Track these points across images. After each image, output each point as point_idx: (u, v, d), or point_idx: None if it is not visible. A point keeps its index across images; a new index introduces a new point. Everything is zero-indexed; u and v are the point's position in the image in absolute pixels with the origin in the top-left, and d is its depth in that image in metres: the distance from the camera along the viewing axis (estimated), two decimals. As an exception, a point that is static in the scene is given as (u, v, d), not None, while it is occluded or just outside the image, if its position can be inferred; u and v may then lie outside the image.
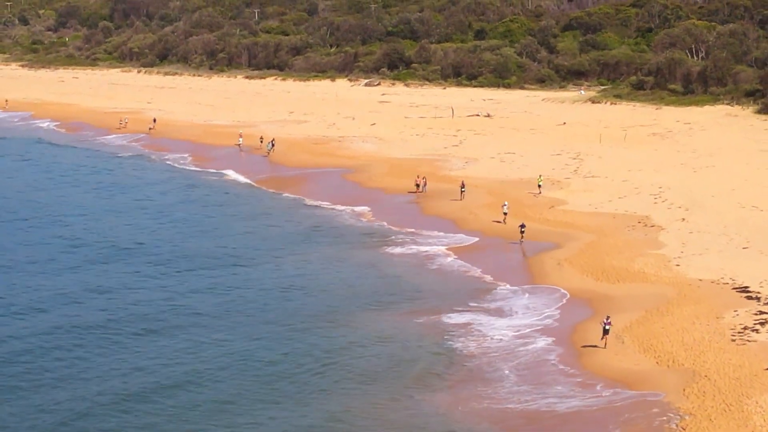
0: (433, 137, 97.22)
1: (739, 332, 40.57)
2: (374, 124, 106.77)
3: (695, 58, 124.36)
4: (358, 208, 69.45)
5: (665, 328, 41.89)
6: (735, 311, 43.27)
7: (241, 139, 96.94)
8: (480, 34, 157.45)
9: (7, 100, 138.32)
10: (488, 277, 52.15)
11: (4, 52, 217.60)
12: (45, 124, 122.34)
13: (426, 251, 57.69)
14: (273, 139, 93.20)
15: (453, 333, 43.22)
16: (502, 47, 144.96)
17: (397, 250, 58.33)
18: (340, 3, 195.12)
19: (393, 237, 61.42)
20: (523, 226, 58.38)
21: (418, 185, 73.21)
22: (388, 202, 71.42)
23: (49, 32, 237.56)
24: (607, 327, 40.62)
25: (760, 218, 59.55)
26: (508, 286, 50.37)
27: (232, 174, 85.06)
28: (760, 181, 70.46)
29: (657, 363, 38.48)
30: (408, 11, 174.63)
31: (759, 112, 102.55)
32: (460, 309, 46.54)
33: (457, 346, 41.64)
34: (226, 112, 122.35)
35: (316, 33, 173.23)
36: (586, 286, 49.16)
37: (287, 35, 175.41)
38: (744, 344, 39.27)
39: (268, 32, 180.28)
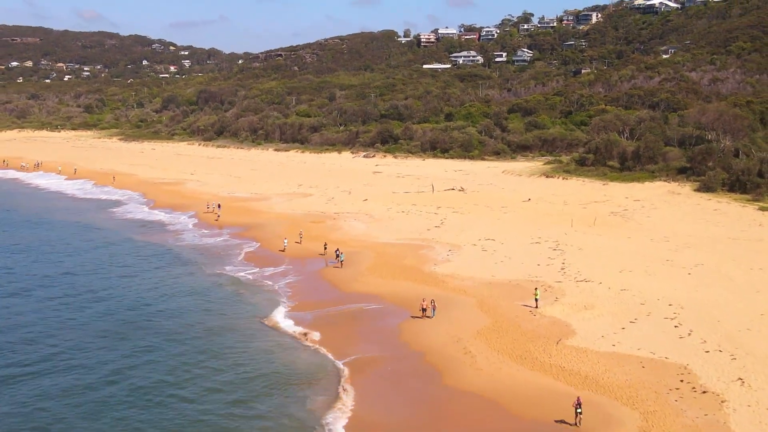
0: (417, 215, 64.40)
1: None
2: (366, 200, 73.67)
3: (622, 137, 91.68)
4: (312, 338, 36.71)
5: None
6: None
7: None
8: (449, 117, 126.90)
9: (114, 177, 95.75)
10: None
11: (117, 128, 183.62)
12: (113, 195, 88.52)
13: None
14: (338, 250, 49.38)
15: None
16: (466, 127, 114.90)
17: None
18: (351, 93, 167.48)
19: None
20: (579, 407, 25.55)
21: (424, 309, 37.70)
22: (360, 329, 38.33)
23: (154, 113, 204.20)
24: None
25: None
26: None
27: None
28: (778, 296, 37.95)
29: None
30: (396, 99, 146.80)
31: (698, 190, 69.70)
32: None
33: None
34: (248, 183, 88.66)
35: (330, 115, 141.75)
36: None
37: (309, 117, 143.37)
38: None
39: (298, 114, 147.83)
